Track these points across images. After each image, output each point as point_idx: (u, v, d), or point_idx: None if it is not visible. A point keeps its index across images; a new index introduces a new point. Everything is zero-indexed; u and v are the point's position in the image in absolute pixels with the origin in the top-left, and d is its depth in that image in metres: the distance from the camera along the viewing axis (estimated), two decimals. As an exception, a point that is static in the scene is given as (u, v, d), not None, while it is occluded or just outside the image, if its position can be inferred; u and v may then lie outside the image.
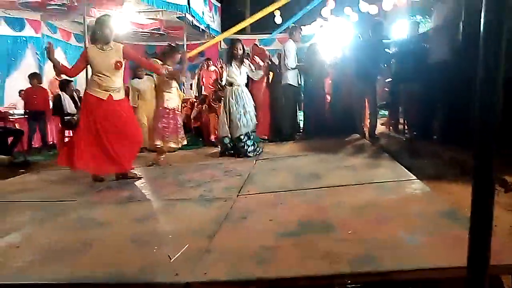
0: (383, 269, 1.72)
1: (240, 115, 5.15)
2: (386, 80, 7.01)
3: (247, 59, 5.67)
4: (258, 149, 5.30)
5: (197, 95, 8.80)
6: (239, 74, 5.22)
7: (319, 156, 4.61)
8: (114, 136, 3.94)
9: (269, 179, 3.73)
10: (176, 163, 5.09)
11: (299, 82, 6.74)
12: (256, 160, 4.75)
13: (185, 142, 5.18)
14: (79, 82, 8.50)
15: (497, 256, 1.60)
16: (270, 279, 1.74)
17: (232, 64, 5.19)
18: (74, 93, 7.48)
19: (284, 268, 1.80)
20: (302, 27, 7.27)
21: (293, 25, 6.87)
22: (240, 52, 5.22)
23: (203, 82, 8.91)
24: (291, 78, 6.41)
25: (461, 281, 1.56)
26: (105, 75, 3.87)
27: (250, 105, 5.33)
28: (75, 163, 3.80)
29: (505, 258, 1.67)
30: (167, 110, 4.89)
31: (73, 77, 4.05)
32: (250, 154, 5.13)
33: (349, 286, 1.68)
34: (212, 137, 6.56)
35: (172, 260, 2.01)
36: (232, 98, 5.18)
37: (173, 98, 4.93)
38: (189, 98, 8.50)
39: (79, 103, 7.10)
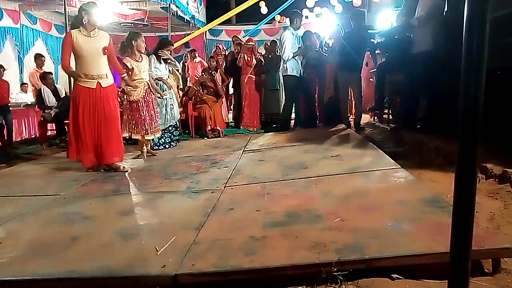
0: (369, 256, 1.75)
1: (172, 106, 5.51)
2: (371, 71, 7.07)
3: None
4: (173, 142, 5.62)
5: (181, 87, 8.72)
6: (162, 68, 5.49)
7: (306, 147, 4.63)
8: (104, 126, 3.94)
9: (256, 170, 3.73)
10: (162, 155, 5.05)
11: (302, 72, 6.58)
12: (243, 152, 4.75)
13: (158, 134, 5.12)
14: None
15: (478, 241, 1.64)
16: (258, 269, 1.75)
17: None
18: (54, 85, 7.31)
19: (272, 258, 1.81)
20: (303, 13, 7.21)
21: (294, 10, 6.67)
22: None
23: (189, 74, 8.83)
24: (290, 67, 6.31)
25: (444, 266, 1.60)
26: (92, 62, 3.81)
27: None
28: (84, 159, 4.01)
29: (485, 243, 1.72)
30: (130, 103, 4.83)
31: (66, 69, 3.91)
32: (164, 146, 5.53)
33: (336, 274, 1.69)
34: (207, 128, 6.52)
35: (159, 252, 2.00)
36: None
37: (135, 91, 4.83)
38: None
39: (62, 95, 6.96)
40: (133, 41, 4.72)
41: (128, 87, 4.74)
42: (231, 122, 7.77)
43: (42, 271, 1.90)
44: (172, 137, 5.68)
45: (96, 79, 3.86)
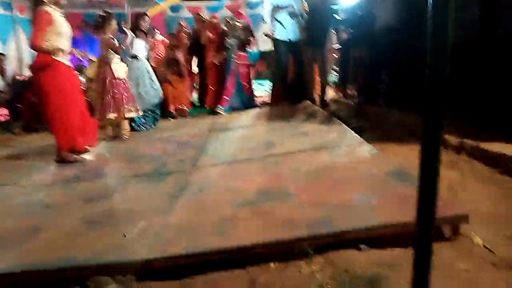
0: (337, 229, 1.80)
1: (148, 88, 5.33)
2: (335, 46, 7.12)
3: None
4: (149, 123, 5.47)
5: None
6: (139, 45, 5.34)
7: (272, 125, 4.64)
8: (85, 107, 3.77)
9: (224, 150, 3.71)
10: (125, 138, 4.87)
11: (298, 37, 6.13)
12: (209, 131, 4.69)
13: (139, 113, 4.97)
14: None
15: (439, 209, 1.72)
16: (231, 249, 1.75)
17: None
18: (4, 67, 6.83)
19: (244, 237, 1.82)
20: None
21: None
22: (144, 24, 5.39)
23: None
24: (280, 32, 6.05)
25: (409, 234, 1.67)
26: (68, 40, 3.63)
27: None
28: (77, 144, 3.71)
29: (445, 210, 1.80)
30: (110, 81, 4.63)
31: (42, 44, 3.58)
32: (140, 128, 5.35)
33: (307, 248, 1.73)
34: (172, 108, 6.36)
35: (128, 238, 1.96)
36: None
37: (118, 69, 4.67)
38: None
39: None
40: (109, 21, 4.56)
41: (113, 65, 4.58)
42: (196, 102, 7.62)
43: (2, 265, 1.81)
44: (156, 116, 5.55)
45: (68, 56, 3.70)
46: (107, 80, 4.57)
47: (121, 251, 1.83)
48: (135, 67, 5.26)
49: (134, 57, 5.27)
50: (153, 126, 5.50)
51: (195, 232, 1.94)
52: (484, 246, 1.70)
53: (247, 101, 6.55)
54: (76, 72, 4.03)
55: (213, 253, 1.75)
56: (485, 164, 2.68)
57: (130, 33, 5.21)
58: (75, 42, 5.77)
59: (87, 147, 3.91)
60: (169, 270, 1.75)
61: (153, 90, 5.43)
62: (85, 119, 3.84)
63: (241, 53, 6.44)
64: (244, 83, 6.46)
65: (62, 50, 3.58)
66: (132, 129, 5.23)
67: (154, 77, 5.54)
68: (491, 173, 2.55)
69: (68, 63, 3.70)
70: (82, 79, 6.80)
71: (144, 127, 5.37)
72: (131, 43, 5.20)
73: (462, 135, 3.06)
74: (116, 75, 4.60)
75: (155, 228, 2.03)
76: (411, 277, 1.26)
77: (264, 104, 7.11)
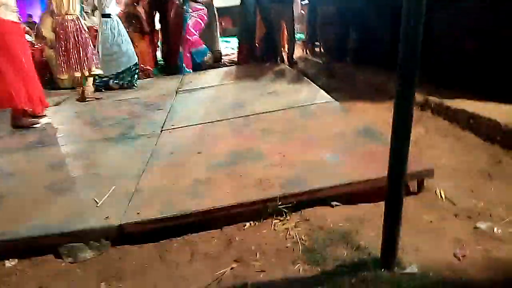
0: (310, 188, 1.84)
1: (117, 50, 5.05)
2: (303, 2, 6.96)
3: None
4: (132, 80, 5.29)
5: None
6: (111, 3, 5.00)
7: (241, 84, 4.57)
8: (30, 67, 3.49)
9: (193, 111, 3.62)
10: (89, 101, 4.64)
11: None
12: (177, 92, 4.55)
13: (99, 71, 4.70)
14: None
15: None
16: (205, 211, 1.76)
17: None
18: None
19: (218, 198, 1.82)
20: None
21: None
22: None
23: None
24: None
25: (377, 190, 1.75)
26: None
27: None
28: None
29: (412, 166, 1.88)
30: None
31: None
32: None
33: (281, 207, 1.77)
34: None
35: (99, 204, 1.92)
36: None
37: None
38: (93, 26, 7.58)
39: None
40: None
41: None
42: (160, 61, 7.31)
43: (-33, 237, 1.73)
44: (133, 76, 5.30)
45: (15, 12, 3.34)
46: (61, 36, 4.25)
47: (93, 217, 1.79)
48: (109, 26, 4.95)
49: (107, 15, 4.92)
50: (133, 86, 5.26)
51: (168, 195, 1.92)
52: (447, 198, 1.81)
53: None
54: (28, 29, 3.67)
55: (187, 216, 1.75)
56: (448, 120, 2.79)
57: None
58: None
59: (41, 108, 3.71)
60: (145, 234, 1.75)
61: (129, 50, 5.16)
62: (34, 80, 3.59)
63: (196, 5, 6.07)
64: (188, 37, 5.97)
65: (6, 6, 3.24)
66: (97, 89, 5.02)
67: (127, 37, 5.21)
68: (453, 129, 2.66)
69: (15, 19, 3.36)
70: (30, 37, 6.34)
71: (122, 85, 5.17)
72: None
73: (426, 92, 3.15)
74: (71, 30, 4.26)
75: (127, 193, 1.99)
76: (381, 230, 1.33)
77: (231, 62, 6.95)
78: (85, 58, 4.34)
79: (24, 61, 3.43)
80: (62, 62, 4.30)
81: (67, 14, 4.20)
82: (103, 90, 5.07)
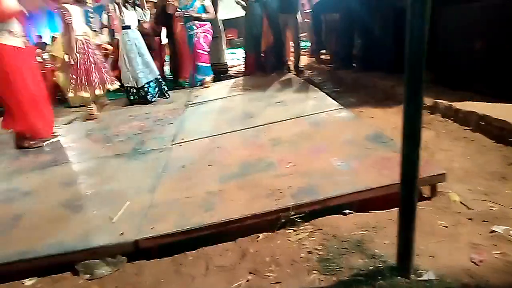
0: (322, 197, 1.84)
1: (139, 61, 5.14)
2: (307, 11, 7.01)
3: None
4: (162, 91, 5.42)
5: (110, 40, 8.02)
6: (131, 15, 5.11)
7: (249, 95, 4.60)
8: (40, 90, 3.56)
9: (202, 124, 3.66)
10: (98, 117, 4.72)
11: None
12: (186, 105, 4.60)
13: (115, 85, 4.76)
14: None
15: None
16: (219, 223, 1.77)
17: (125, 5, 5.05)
18: None
19: (232, 210, 1.83)
20: None
21: None
22: None
23: (115, 25, 8.09)
24: None
25: (391, 196, 1.74)
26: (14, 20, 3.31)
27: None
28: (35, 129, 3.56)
29: (424, 170, 1.87)
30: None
31: None
32: (154, 99, 5.27)
33: (294, 217, 1.77)
34: None
35: (114, 220, 1.94)
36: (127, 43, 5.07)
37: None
38: (101, 44, 7.72)
39: None
40: None
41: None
42: (168, 75, 7.41)
43: (-12, 257, 1.77)
44: (161, 87, 5.43)
45: (19, 37, 3.40)
46: (74, 57, 4.33)
47: (109, 234, 1.82)
48: (127, 38, 5.05)
49: (127, 27, 5.04)
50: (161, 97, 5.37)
51: (182, 209, 1.94)
52: (461, 202, 1.79)
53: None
54: (38, 51, 3.75)
55: (202, 229, 1.77)
56: (458, 123, 2.77)
57: (111, 4, 4.96)
58: (31, 18, 5.40)
59: (46, 132, 3.77)
60: (160, 248, 1.77)
61: (149, 62, 5.25)
62: (41, 103, 3.63)
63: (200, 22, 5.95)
64: (199, 51, 5.81)
65: (9, 31, 3.30)
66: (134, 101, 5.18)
67: (146, 49, 5.30)
68: (464, 131, 2.64)
69: (18, 44, 3.36)
70: (45, 57, 6.48)
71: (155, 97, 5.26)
72: (118, 13, 4.98)
73: (435, 96, 3.14)
74: (83, 48, 4.31)
75: (141, 208, 2.02)
76: (396, 237, 1.33)
77: (237, 74, 7.01)
78: (96, 77, 4.41)
79: (29, 85, 3.46)
80: (78, 81, 4.35)
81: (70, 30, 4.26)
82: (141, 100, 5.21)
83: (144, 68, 5.16)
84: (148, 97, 5.18)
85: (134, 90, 5.21)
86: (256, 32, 5.94)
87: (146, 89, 5.17)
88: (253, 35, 6.00)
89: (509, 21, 2.74)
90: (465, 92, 3.03)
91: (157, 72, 5.39)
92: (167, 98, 5.37)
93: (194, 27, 5.64)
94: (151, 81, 5.24)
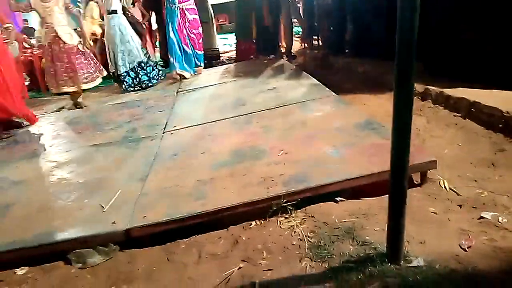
0: (314, 184, 1.85)
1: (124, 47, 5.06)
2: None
3: None
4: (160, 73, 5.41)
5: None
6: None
7: (241, 82, 4.56)
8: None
9: (194, 111, 3.63)
10: (89, 104, 4.65)
11: None
12: (177, 92, 4.55)
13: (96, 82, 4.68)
14: None
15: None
16: (211, 211, 1.77)
17: None
18: None
19: (223, 198, 1.83)
20: None
21: None
22: None
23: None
24: None
25: (381, 183, 1.75)
26: None
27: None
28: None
29: (414, 157, 1.88)
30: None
31: None
32: (154, 82, 5.26)
33: (286, 205, 1.78)
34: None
35: (105, 209, 1.93)
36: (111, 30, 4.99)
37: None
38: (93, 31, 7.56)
39: None
40: None
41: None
42: (159, 61, 7.30)
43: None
44: (151, 72, 5.33)
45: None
46: (51, 49, 4.23)
47: (100, 223, 1.81)
48: (114, 23, 4.94)
49: (113, 12, 4.91)
50: (154, 82, 5.29)
51: (173, 198, 1.94)
52: (450, 188, 1.81)
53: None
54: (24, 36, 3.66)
55: (193, 217, 1.77)
56: (449, 110, 2.79)
57: None
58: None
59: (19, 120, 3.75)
60: (152, 237, 1.77)
61: (135, 47, 5.14)
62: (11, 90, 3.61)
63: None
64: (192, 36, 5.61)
65: None
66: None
67: (133, 33, 5.19)
68: (454, 118, 2.66)
69: None
70: (33, 42, 6.34)
71: (133, 87, 5.13)
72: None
73: (426, 82, 3.14)
74: (63, 41, 4.20)
75: (132, 197, 2.01)
76: (386, 224, 1.34)
77: (230, 59, 6.94)
78: (78, 70, 4.32)
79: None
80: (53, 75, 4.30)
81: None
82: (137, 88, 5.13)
83: (123, 56, 5.05)
84: (123, 86, 5.10)
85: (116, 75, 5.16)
86: (247, 17, 5.86)
87: (122, 77, 5.09)
88: (243, 20, 5.92)
89: (497, 7, 2.74)
90: (456, 79, 3.03)
91: (142, 57, 5.21)
92: (155, 83, 5.30)
93: (176, 1, 5.44)
94: (132, 70, 5.12)
